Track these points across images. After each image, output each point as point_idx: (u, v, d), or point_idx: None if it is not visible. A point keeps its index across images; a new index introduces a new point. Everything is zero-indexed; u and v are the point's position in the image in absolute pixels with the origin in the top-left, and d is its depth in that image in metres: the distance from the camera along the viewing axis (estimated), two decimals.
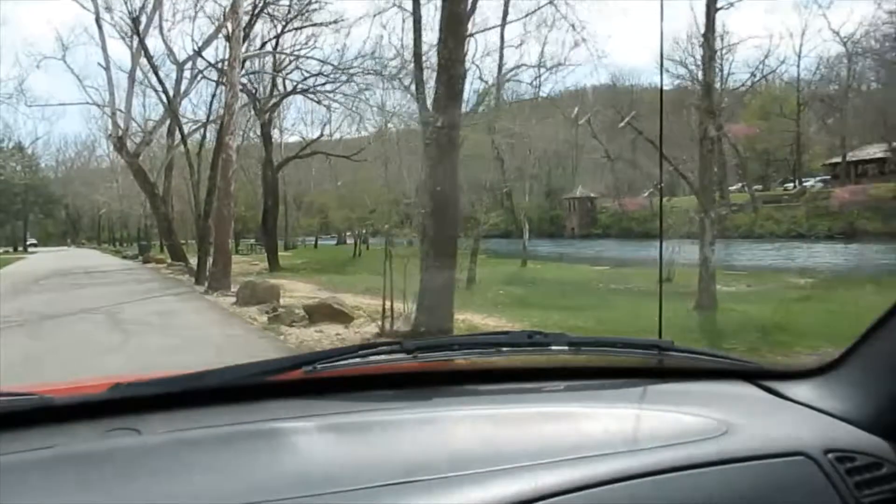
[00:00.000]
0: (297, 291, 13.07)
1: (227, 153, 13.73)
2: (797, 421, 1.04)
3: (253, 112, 21.42)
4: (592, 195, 52.13)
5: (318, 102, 25.08)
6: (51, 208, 68.06)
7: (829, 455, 0.93)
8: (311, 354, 1.05)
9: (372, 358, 1.03)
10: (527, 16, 20.70)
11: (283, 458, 0.83)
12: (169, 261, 23.97)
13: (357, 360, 1.02)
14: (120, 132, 22.45)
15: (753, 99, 40.78)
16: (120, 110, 22.77)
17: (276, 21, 20.93)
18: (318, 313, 8.64)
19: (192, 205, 17.42)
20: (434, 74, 7.94)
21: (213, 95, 19.18)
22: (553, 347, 1.12)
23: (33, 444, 0.82)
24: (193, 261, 25.27)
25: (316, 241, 40.88)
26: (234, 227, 17.00)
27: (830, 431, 1.00)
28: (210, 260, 15.37)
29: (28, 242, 63.42)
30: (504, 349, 1.11)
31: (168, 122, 24.00)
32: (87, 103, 24.21)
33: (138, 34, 18.86)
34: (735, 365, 1.23)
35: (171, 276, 18.53)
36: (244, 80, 18.29)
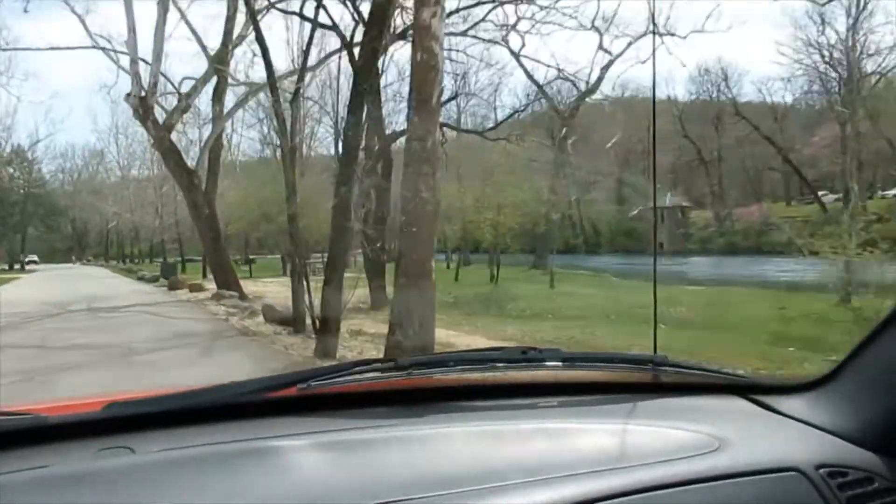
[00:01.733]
0: None
1: (427, 46, 5.58)
2: (789, 436, 1.03)
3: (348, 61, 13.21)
4: (685, 204, 44.30)
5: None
6: (54, 221, 60.12)
7: (821, 470, 0.92)
8: (306, 371, 1.01)
9: (367, 375, 1.03)
10: None
11: (277, 477, 0.82)
12: (215, 289, 15.82)
13: (352, 377, 1.01)
14: (143, 91, 14.47)
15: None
16: (143, 60, 14.82)
17: None
18: None
19: (287, 187, 9.25)
20: None
21: (312, 32, 11.10)
22: (548, 363, 1.11)
23: (27, 463, 0.81)
24: (252, 289, 17.32)
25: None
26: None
27: (822, 446, 0.99)
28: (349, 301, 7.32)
29: (28, 259, 55.65)
30: (498, 365, 1.11)
31: (216, 80, 16.01)
32: (92, 47, 16.04)
33: None
34: (728, 379, 1.22)
35: (243, 326, 10.27)
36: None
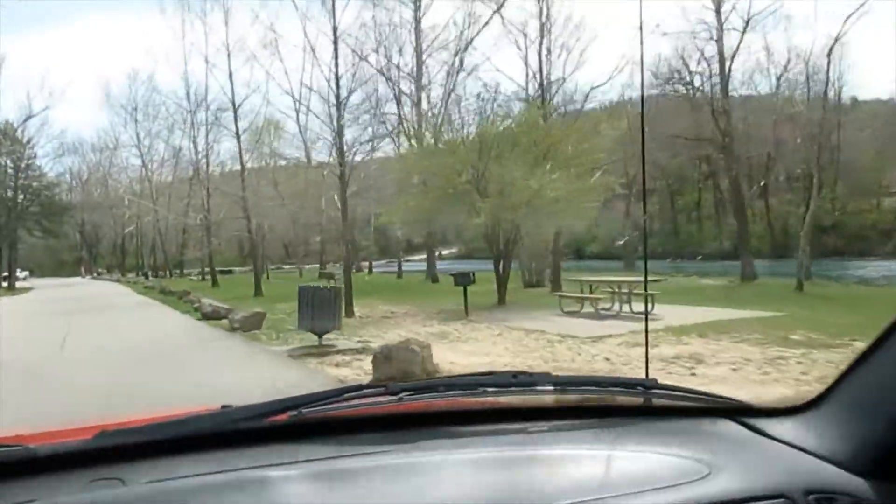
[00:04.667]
0: None
1: None
2: (779, 461, 1.02)
3: None
4: None
5: None
6: (56, 224, 45.16)
7: (811, 496, 0.91)
8: (297, 398, 1.01)
9: (358, 401, 1.03)
10: None
11: None
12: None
13: (343, 403, 1.02)
14: None
15: None
16: None
17: None
18: None
19: None
20: None
21: None
22: (538, 387, 1.11)
23: (15, 498, 0.80)
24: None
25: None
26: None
27: (811, 471, 0.98)
28: None
29: (22, 274, 41.73)
30: (489, 389, 1.10)
31: None
32: None
33: None
34: (718, 403, 1.20)
35: None
36: None
